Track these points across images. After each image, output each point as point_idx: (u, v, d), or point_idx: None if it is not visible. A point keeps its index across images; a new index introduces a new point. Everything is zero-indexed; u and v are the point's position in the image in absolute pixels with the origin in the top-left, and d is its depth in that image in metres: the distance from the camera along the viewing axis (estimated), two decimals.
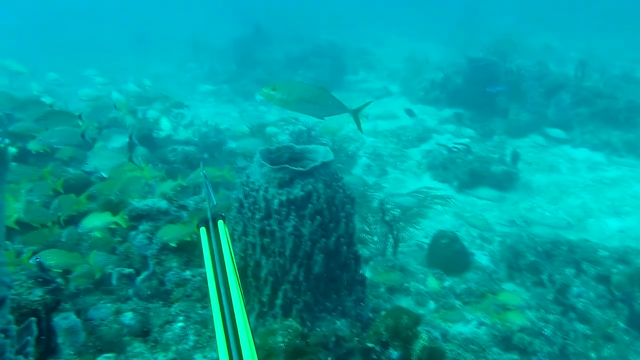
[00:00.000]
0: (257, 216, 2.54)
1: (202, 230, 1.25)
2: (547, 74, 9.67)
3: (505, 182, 6.86)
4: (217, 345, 0.94)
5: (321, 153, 2.78)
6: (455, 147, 7.20)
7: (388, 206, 5.09)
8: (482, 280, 4.47)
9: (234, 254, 2.59)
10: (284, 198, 2.50)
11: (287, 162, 2.79)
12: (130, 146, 4.94)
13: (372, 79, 12.99)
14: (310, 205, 2.49)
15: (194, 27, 18.96)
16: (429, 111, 9.49)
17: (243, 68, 13.72)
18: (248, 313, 2.52)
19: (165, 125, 6.72)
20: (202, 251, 1.19)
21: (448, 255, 4.65)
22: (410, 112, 8.57)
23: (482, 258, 5.11)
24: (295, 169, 2.53)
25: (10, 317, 1.16)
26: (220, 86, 13.32)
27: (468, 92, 9.46)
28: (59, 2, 24.23)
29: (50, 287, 2.10)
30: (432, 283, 4.24)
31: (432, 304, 4.14)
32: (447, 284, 4.37)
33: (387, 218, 5.02)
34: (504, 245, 5.10)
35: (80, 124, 4.23)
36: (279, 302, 2.51)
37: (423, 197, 5.41)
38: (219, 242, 1.19)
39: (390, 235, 4.98)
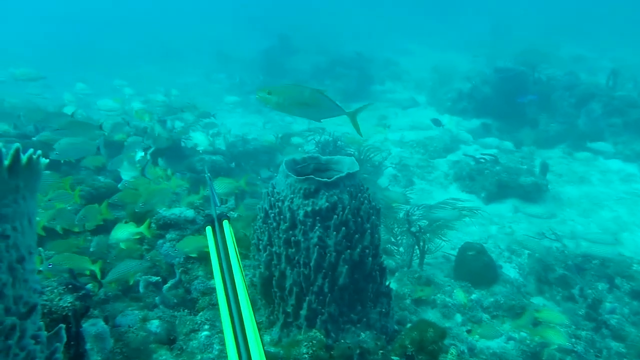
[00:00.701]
0: (282, 226, 2.55)
1: (208, 229, 1.29)
2: (577, 83, 9.49)
3: (533, 193, 6.73)
4: (224, 333, 0.98)
5: (347, 164, 2.78)
6: (483, 158, 7.11)
7: (414, 217, 5.06)
8: (510, 294, 4.38)
9: (261, 264, 2.61)
10: (309, 209, 2.51)
11: (312, 172, 2.80)
12: (145, 158, 5.02)
13: (398, 89, 12.96)
14: (336, 216, 2.49)
15: (220, 38, 19.26)
16: (456, 121, 9.41)
17: (270, 78, 13.86)
18: (272, 323, 2.52)
19: (202, 141, 6.82)
20: (209, 250, 1.23)
21: (475, 268, 4.58)
22: (437, 122, 8.52)
23: (510, 271, 5.01)
24: (321, 179, 2.53)
25: (41, 324, 1.19)
26: (248, 96, 13.48)
27: (496, 102, 9.36)
28: (89, 15, 24.91)
29: (79, 294, 2.14)
30: (459, 296, 4.18)
31: (459, 317, 4.08)
32: (474, 296, 4.30)
33: (413, 229, 4.99)
34: (532, 258, 4.99)
35: (101, 134, 4.32)
36: (303, 312, 2.51)
37: (450, 208, 5.36)
38: (224, 240, 1.23)
39: (416, 247, 4.94)
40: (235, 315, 0.98)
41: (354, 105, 12.05)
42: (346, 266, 2.47)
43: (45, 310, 2.02)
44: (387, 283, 2.80)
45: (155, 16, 24.95)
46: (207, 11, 25.69)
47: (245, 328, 0.95)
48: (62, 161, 4.73)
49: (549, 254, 4.79)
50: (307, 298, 2.50)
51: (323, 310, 2.50)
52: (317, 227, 2.50)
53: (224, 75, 15.70)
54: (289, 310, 2.55)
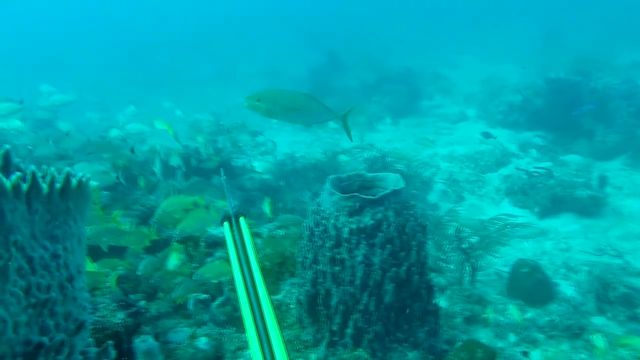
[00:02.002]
0: (328, 244, 2.55)
1: (225, 225, 1.34)
2: (636, 92, 9.06)
3: (591, 207, 6.44)
4: (244, 319, 1.03)
5: (392, 181, 2.76)
6: (536, 172, 6.88)
7: (464, 234, 4.95)
8: (567, 313, 4.18)
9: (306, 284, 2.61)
10: (354, 226, 2.50)
11: (357, 190, 2.79)
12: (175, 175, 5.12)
13: (447, 104, 12.78)
14: (381, 233, 2.47)
15: (271, 57, 19.65)
16: (507, 135, 9.18)
17: (319, 96, 13.97)
18: (318, 342, 2.51)
19: (260, 166, 6.99)
20: (226, 242, 1.29)
21: (529, 285, 4.41)
22: (487, 135, 8.33)
23: (567, 289, 4.79)
24: (365, 197, 2.52)
25: (90, 340, 1.24)
26: None
27: (549, 114, 9.06)
28: (147, 38, 26.02)
29: (131, 311, 2.21)
30: (514, 314, 4.02)
31: (512, 337, 3.93)
32: (528, 315, 4.13)
33: (463, 246, 4.87)
34: (591, 275, 4.76)
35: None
36: (349, 331, 2.49)
37: (502, 224, 5.22)
38: (241, 234, 1.28)
39: (467, 264, 4.82)
40: (255, 305, 1.03)
41: (403, 121, 11.97)
42: (392, 284, 2.44)
43: (99, 327, 2.10)
44: (434, 301, 2.74)
45: (207, 37, 25.78)
46: (258, 30, 26.36)
47: (266, 321, 1.00)
48: (118, 180, 4.92)
49: (609, 271, 4.56)
50: (353, 316, 2.48)
51: (369, 329, 2.47)
52: (362, 245, 2.48)
53: None
54: (334, 328, 2.53)
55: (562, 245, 5.77)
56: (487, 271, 4.89)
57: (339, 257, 2.51)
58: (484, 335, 4.02)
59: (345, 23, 24.66)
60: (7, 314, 0.92)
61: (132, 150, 4.43)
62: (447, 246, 5.05)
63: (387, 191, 2.55)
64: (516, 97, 9.87)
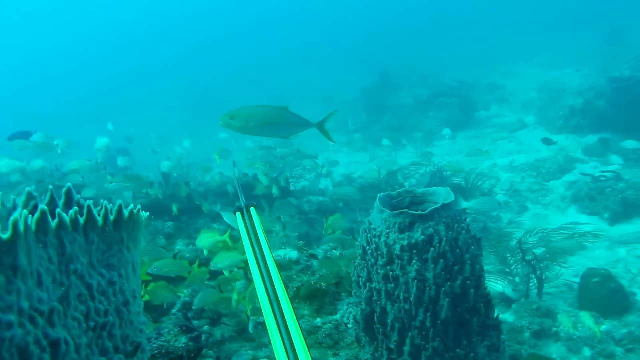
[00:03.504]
0: (380, 262, 2.56)
1: (238, 215, 1.45)
2: None
3: None
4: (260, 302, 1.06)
5: (442, 195, 2.74)
6: (603, 176, 6.56)
7: (528, 245, 4.79)
8: None
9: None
10: (405, 243, 2.50)
11: (408, 206, 2.79)
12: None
13: (505, 113, 12.47)
14: (433, 248, 2.45)
15: (324, 81, 19.96)
16: (570, 140, 8.82)
17: (373, 116, 14.04)
18: None
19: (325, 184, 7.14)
20: (239, 231, 1.39)
21: (602, 296, 4.19)
22: (548, 142, 8.05)
23: None
24: (415, 213, 2.52)
25: None
26: (352, 135, 13.72)
27: (614, 115, 8.64)
28: (197, 69, 27.18)
29: (193, 335, 2.30)
30: (588, 323, 3.82)
31: (587, 351, 3.73)
32: (604, 328, 3.91)
33: (528, 257, 4.72)
34: None
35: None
36: (407, 349, 2.47)
37: (570, 233, 5.02)
38: (252, 223, 1.38)
39: (533, 276, 4.65)
40: (270, 291, 1.06)
41: (461, 134, 11.78)
42: (447, 299, 2.41)
43: (164, 351, 2.21)
44: (495, 315, 2.67)
45: (260, 68, 26.59)
46: (310, 59, 26.92)
47: (282, 305, 1.02)
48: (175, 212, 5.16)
49: None
50: (410, 334, 2.47)
51: (427, 346, 2.44)
52: (414, 261, 2.47)
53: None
54: (392, 346, 2.52)
55: (638, 252, 5.45)
56: (555, 283, 4.69)
57: (392, 274, 2.51)
58: (555, 350, 3.85)
59: (396, 43, 24.73)
60: (69, 337, 1.01)
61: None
62: (511, 259, 4.91)
63: (437, 205, 2.54)
64: (577, 101, 9.48)
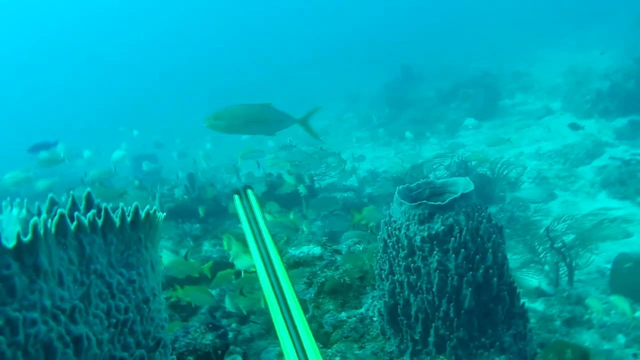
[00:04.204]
0: (401, 254, 2.57)
1: (236, 197, 1.48)
2: None
3: None
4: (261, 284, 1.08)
5: (462, 185, 2.74)
6: (634, 159, 6.39)
7: (556, 233, 4.71)
8: None
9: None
10: (425, 234, 2.50)
11: (428, 198, 2.80)
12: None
13: (530, 100, 12.24)
14: (453, 238, 2.45)
15: (347, 78, 19.93)
16: (598, 124, 8.62)
17: (396, 110, 13.97)
18: (403, 352, 2.52)
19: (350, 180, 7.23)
20: (237, 212, 1.42)
21: (635, 281, 4.09)
22: (575, 127, 7.88)
23: None
24: (434, 203, 2.52)
25: (173, 357, 1.37)
26: (376, 131, 13.69)
27: None
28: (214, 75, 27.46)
29: (219, 332, 2.36)
30: (621, 312, 3.74)
31: (621, 338, 3.66)
32: (637, 314, 3.83)
33: (556, 245, 4.64)
34: None
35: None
36: (431, 339, 2.47)
37: (600, 219, 4.91)
38: (250, 204, 1.42)
39: (562, 263, 4.57)
40: (266, 258, 1.11)
41: (485, 124, 11.60)
42: (470, 289, 2.40)
43: (191, 348, 2.26)
44: (520, 303, 2.64)
45: (280, 69, 26.73)
46: (333, 55, 26.94)
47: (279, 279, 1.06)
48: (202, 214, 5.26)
49: None
50: (434, 324, 2.47)
51: (451, 336, 2.44)
52: (435, 252, 2.48)
53: (352, 113, 16.17)
54: (416, 337, 2.53)
55: None
56: (586, 269, 4.60)
57: (413, 265, 2.52)
58: (587, 338, 3.78)
59: (416, 37, 24.53)
60: (91, 333, 1.06)
61: (213, 186, 4.73)
62: (540, 247, 4.83)
63: (456, 195, 2.53)
64: (604, 84, 9.25)
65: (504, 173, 7.15)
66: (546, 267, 4.68)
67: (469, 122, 9.55)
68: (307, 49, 30.39)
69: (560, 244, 4.61)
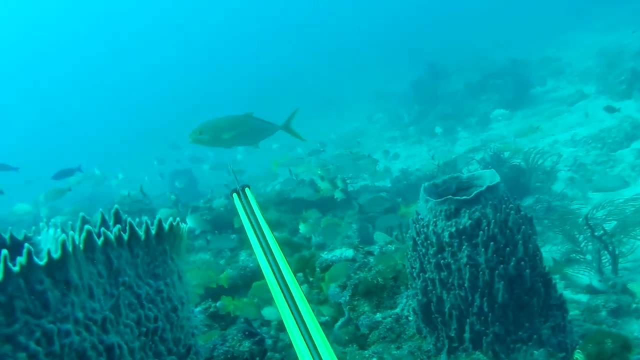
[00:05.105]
0: (431, 251, 2.57)
1: (235, 196, 1.52)
2: None
3: None
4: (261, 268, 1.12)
5: (487, 177, 2.71)
6: None
7: (596, 220, 4.59)
8: None
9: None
10: (453, 229, 2.49)
11: (454, 193, 2.78)
12: None
13: (562, 86, 11.94)
14: (481, 232, 2.43)
15: (374, 79, 19.87)
16: (636, 105, 8.33)
17: (425, 107, 13.86)
18: (440, 350, 2.51)
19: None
20: (236, 208, 1.46)
21: None
22: (610, 109, 7.66)
23: None
24: (459, 198, 2.51)
25: None
26: (406, 129, 13.60)
27: None
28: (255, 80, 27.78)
29: (256, 339, 2.40)
30: None
31: None
32: None
33: (597, 233, 4.51)
34: None
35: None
36: (467, 335, 2.46)
37: None
38: (248, 202, 1.46)
39: (605, 252, 4.44)
40: (275, 269, 1.11)
41: (517, 113, 11.37)
42: (502, 282, 2.38)
43: (229, 356, 2.32)
44: (557, 294, 2.60)
45: (318, 69, 26.83)
46: (358, 55, 26.94)
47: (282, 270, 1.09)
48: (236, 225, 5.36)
49: None
50: (468, 320, 2.45)
51: (487, 331, 2.41)
52: (464, 247, 2.46)
53: (382, 114, 16.13)
54: (452, 334, 2.51)
55: None
56: (630, 257, 4.46)
57: (443, 262, 2.51)
58: (637, 328, 3.66)
59: (441, 32, 24.27)
60: (122, 341, 1.12)
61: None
62: (579, 236, 4.71)
63: (482, 188, 2.51)
64: (638, 62, 8.96)
65: (539, 163, 7.00)
66: (588, 257, 4.56)
67: (499, 113, 9.39)
68: (330, 51, 30.48)
69: (601, 232, 4.49)
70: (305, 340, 0.92)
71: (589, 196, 6.09)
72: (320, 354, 0.91)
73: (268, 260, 1.11)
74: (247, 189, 1.54)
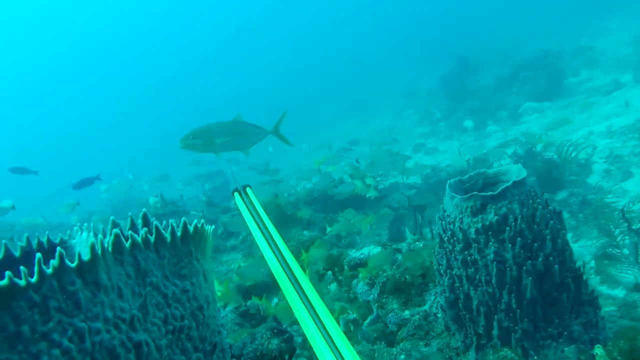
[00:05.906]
0: (457, 248, 2.56)
1: (236, 195, 1.56)
2: None
3: None
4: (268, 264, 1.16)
5: (514, 172, 2.69)
6: None
7: (633, 214, 4.47)
8: None
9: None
10: (479, 225, 2.48)
11: (481, 188, 2.76)
12: None
13: (597, 75, 11.61)
14: (508, 228, 2.41)
15: (404, 78, 19.74)
16: None
17: (455, 102, 13.71)
18: (468, 347, 2.50)
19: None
20: (238, 206, 1.51)
21: None
22: None
23: None
24: (485, 194, 2.49)
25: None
26: (437, 125, 13.47)
27: None
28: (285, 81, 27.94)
29: (284, 337, 2.45)
30: None
31: None
32: None
33: (635, 227, 4.40)
34: None
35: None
36: (495, 332, 2.44)
37: None
38: (250, 201, 1.51)
39: None
40: (285, 267, 1.14)
41: (550, 105, 11.10)
42: (530, 278, 2.35)
43: (258, 353, 2.37)
44: (589, 290, 2.55)
45: (348, 69, 26.86)
46: (386, 54, 26.81)
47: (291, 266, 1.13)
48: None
49: None
50: (496, 317, 2.44)
51: (516, 328, 2.39)
52: (491, 243, 2.45)
53: (412, 110, 16.03)
54: (480, 331, 2.50)
55: None
56: None
57: (470, 258, 2.50)
58: None
59: (470, 26, 23.92)
60: (150, 339, 1.17)
61: (276, 195, 4.88)
62: (616, 230, 4.60)
63: (508, 184, 2.49)
64: None
65: (573, 155, 6.84)
66: (625, 251, 4.45)
67: (530, 106, 9.21)
68: (357, 52, 30.43)
69: (639, 225, 4.38)
70: (319, 331, 0.95)
71: (625, 189, 5.92)
72: (341, 352, 0.93)
73: (276, 257, 1.15)
74: (248, 189, 1.59)
